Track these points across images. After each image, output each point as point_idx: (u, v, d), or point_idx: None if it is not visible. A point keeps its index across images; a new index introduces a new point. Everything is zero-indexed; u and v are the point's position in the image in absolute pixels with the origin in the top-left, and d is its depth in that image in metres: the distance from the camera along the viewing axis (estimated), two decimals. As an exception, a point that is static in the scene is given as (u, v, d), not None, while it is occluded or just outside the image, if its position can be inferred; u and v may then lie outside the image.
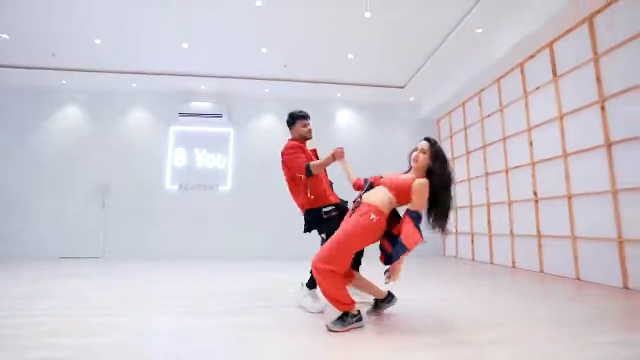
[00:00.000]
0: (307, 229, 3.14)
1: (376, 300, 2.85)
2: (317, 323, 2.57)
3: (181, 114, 7.83)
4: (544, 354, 1.97)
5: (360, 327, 2.45)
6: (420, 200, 2.46)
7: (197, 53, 6.77)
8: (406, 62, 7.16)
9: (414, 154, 2.61)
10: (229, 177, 8.00)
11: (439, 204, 2.52)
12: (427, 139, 2.63)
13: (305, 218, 3.13)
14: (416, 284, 4.35)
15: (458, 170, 7.86)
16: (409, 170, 2.70)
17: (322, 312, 2.85)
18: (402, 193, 2.53)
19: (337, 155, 2.91)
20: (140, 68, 7.32)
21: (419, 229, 2.40)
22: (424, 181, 2.48)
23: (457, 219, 7.78)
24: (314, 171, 2.94)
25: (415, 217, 2.43)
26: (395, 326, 2.52)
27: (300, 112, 3.32)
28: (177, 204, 7.66)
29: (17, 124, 7.63)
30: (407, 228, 2.39)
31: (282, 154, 3.15)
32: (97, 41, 6.34)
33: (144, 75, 7.44)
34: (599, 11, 4.39)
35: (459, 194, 7.79)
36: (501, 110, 6.46)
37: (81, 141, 7.73)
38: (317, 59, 7.03)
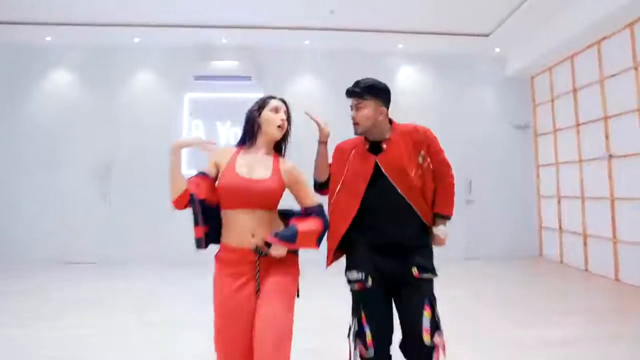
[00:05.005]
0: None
1: None
2: None
3: (198, 77, 6.10)
4: None
5: None
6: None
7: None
8: (493, 2, 5.25)
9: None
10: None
11: None
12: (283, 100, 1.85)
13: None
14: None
15: (564, 148, 5.92)
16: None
17: None
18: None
19: None
20: (142, 18, 5.60)
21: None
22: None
23: (560, 212, 5.95)
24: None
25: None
26: None
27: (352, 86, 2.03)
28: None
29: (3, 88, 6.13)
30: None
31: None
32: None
33: (147, 27, 5.74)
34: None
35: (564, 179, 5.91)
36: (636, 68, 4.51)
37: (74, 112, 6.15)
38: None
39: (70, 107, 6.16)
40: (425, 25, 5.90)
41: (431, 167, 1.91)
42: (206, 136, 6.14)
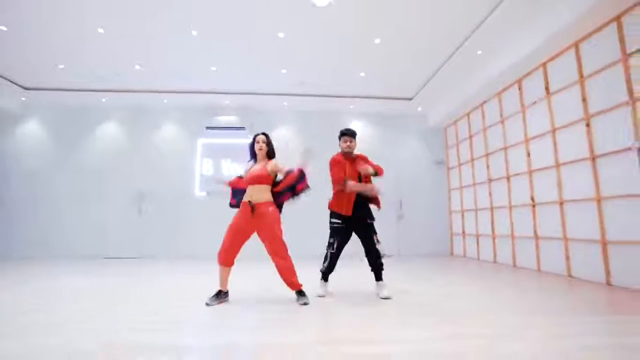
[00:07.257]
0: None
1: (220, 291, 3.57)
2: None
3: (208, 128, 8.60)
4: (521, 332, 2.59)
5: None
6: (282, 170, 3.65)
7: (224, 74, 7.46)
8: (413, 77, 7.73)
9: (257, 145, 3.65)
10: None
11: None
12: (263, 134, 3.71)
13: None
14: (429, 280, 4.97)
15: (464, 176, 8.42)
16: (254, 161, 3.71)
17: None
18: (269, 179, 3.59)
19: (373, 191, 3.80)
20: (172, 87, 8.09)
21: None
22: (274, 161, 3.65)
23: (463, 221, 8.36)
24: (347, 190, 3.70)
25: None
26: (396, 309, 3.16)
27: (345, 130, 3.97)
28: (205, 209, 8.37)
29: (66, 139, 8.54)
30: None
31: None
32: (137, 67, 7.07)
33: (174, 93, 8.21)
34: (585, 38, 4.90)
35: (465, 197, 8.35)
36: (502, 122, 6.89)
37: (120, 153, 8.57)
38: (331, 78, 7.66)
39: (118, 150, 8.60)
40: (368, 92, 8.41)
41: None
42: (213, 169, 8.56)
